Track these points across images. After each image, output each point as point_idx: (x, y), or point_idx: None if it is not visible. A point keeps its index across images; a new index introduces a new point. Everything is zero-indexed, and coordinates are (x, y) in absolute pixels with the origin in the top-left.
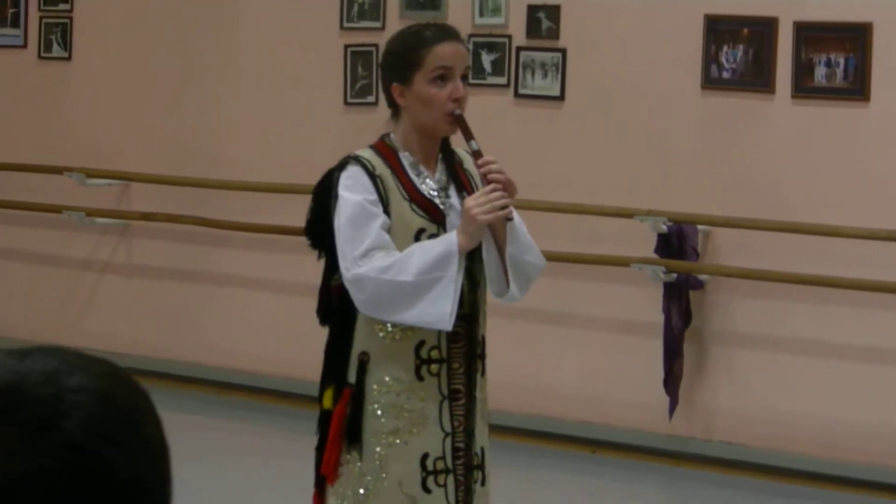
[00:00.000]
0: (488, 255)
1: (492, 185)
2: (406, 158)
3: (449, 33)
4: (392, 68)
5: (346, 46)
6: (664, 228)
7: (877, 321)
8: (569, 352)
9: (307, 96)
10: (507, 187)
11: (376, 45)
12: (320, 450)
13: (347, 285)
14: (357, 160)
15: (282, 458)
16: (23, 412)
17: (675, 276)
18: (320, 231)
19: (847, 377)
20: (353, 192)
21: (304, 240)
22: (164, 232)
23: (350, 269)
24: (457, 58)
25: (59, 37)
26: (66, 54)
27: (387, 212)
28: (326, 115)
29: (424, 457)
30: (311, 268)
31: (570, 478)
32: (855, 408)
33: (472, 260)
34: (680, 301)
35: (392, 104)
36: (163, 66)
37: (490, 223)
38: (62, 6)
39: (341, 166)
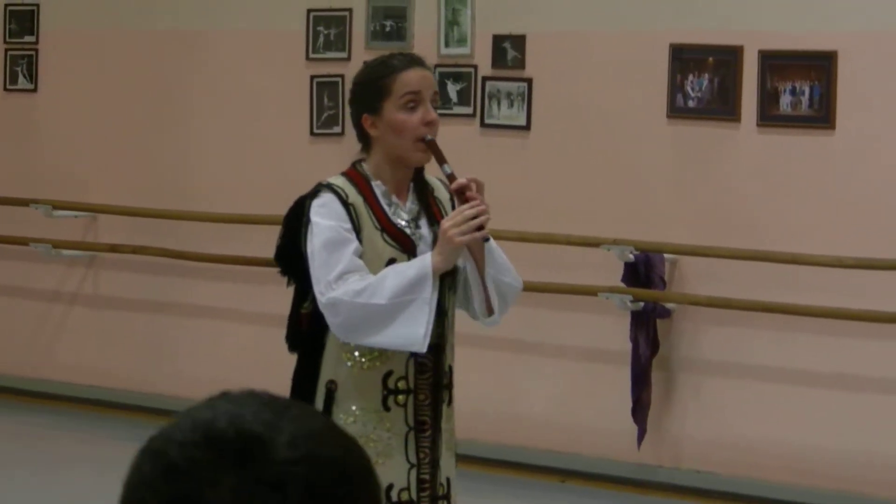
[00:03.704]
0: (472, 277)
1: (468, 205)
2: (378, 187)
3: (414, 60)
4: (361, 100)
5: (312, 77)
6: (631, 257)
7: (844, 348)
8: (537, 381)
9: (273, 127)
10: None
11: (342, 76)
12: None
13: (322, 309)
14: (330, 188)
15: None
16: (262, 466)
17: (642, 304)
18: (290, 258)
19: (815, 404)
20: (327, 218)
21: (272, 270)
22: (132, 263)
23: (324, 293)
24: (424, 83)
25: (24, 69)
26: (31, 86)
27: (359, 240)
28: (293, 145)
29: (389, 488)
30: (280, 297)
31: None
32: (823, 434)
33: (440, 290)
34: (647, 329)
35: (362, 137)
36: (129, 98)
37: (467, 244)
38: (27, 38)
39: (314, 193)
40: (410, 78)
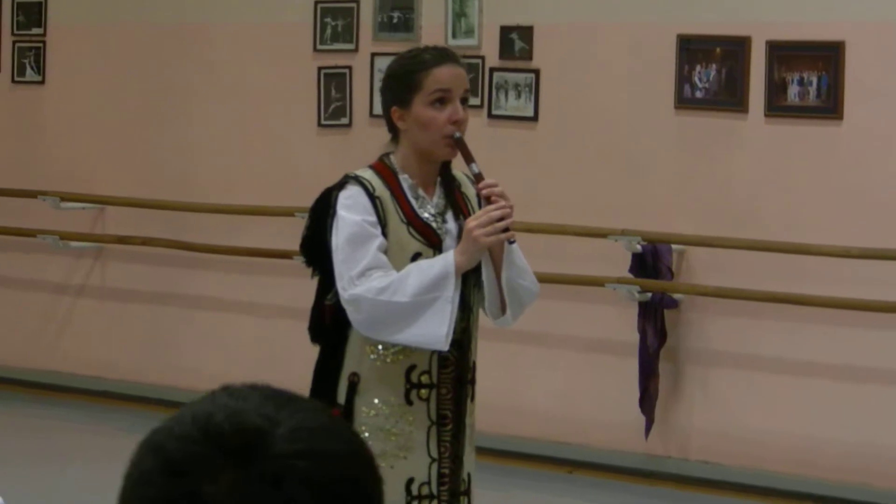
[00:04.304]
0: (487, 276)
1: (494, 205)
2: (405, 181)
3: (448, 56)
4: (391, 92)
5: (320, 69)
6: (638, 248)
7: (851, 339)
8: (544, 372)
9: (281, 119)
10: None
11: (349, 67)
12: None
13: (344, 304)
14: (357, 180)
15: None
16: (259, 463)
17: (649, 295)
18: (316, 249)
19: (822, 395)
20: (353, 212)
21: (280, 262)
22: (139, 255)
23: (347, 288)
24: (455, 80)
25: (32, 61)
26: (39, 78)
27: (384, 234)
28: (300, 137)
29: (409, 482)
30: (287, 290)
31: (546, 498)
32: (830, 426)
33: (464, 286)
34: (655, 320)
35: (391, 128)
36: (137, 90)
37: (491, 245)
38: (35, 30)
39: (341, 185)
40: (442, 74)
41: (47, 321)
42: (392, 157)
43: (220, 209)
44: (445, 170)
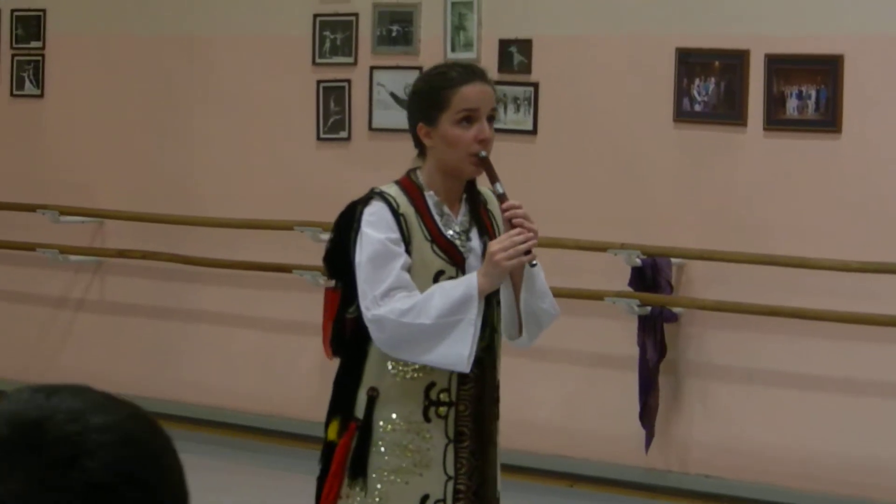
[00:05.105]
0: (504, 298)
1: (516, 230)
2: (431, 198)
3: (475, 74)
4: (418, 109)
5: (319, 82)
6: (638, 262)
7: (851, 352)
8: (544, 385)
9: (280, 132)
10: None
11: (349, 81)
12: (321, 481)
13: (367, 324)
14: (382, 196)
15: (258, 494)
16: (47, 449)
17: (649, 309)
18: (339, 263)
19: (823, 408)
20: (376, 229)
21: (279, 275)
22: (139, 269)
23: (370, 308)
24: (483, 99)
25: (31, 74)
26: (38, 92)
27: (408, 251)
28: (299, 150)
29: (424, 498)
30: (287, 303)
31: None
32: (831, 439)
33: (487, 304)
34: (655, 334)
35: (418, 144)
36: (136, 103)
37: (513, 268)
38: (34, 44)
39: (366, 200)
40: (469, 93)
41: (46, 335)
42: (419, 173)
43: (220, 223)
44: (471, 187)
